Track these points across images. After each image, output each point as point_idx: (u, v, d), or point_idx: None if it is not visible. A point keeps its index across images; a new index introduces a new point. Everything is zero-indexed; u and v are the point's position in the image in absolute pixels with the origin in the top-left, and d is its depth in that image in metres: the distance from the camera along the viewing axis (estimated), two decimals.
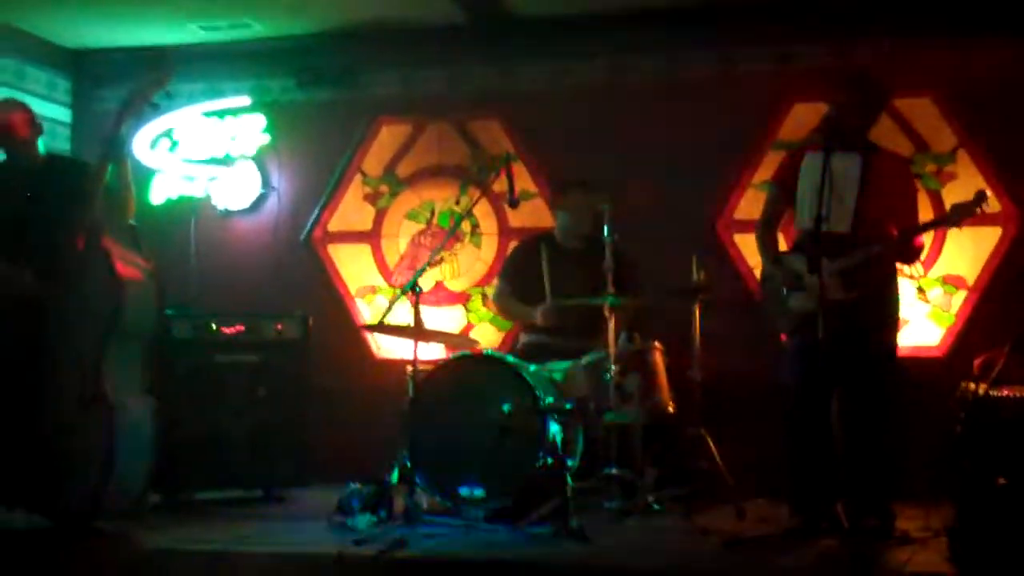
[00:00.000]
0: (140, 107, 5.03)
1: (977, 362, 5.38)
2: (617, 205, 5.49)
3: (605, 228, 5.32)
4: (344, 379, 6.72)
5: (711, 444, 5.44)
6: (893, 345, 4.92)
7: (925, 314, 6.27)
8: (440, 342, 6.05)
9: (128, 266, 4.90)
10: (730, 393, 5.84)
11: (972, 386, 5.13)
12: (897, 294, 4.95)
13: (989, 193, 4.78)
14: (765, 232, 5.16)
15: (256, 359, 6.01)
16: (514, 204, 5.50)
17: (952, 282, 6.27)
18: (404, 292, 5.23)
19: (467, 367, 5.34)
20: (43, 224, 4.88)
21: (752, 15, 6.40)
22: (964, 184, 6.13)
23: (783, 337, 5.15)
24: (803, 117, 6.40)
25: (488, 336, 6.83)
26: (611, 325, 5.30)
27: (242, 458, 5.86)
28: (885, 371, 4.82)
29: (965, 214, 4.74)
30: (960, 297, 6.26)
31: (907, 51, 6.28)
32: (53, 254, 4.82)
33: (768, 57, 6.54)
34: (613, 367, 5.27)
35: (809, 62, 6.45)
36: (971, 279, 6.26)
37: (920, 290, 6.26)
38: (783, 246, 5.26)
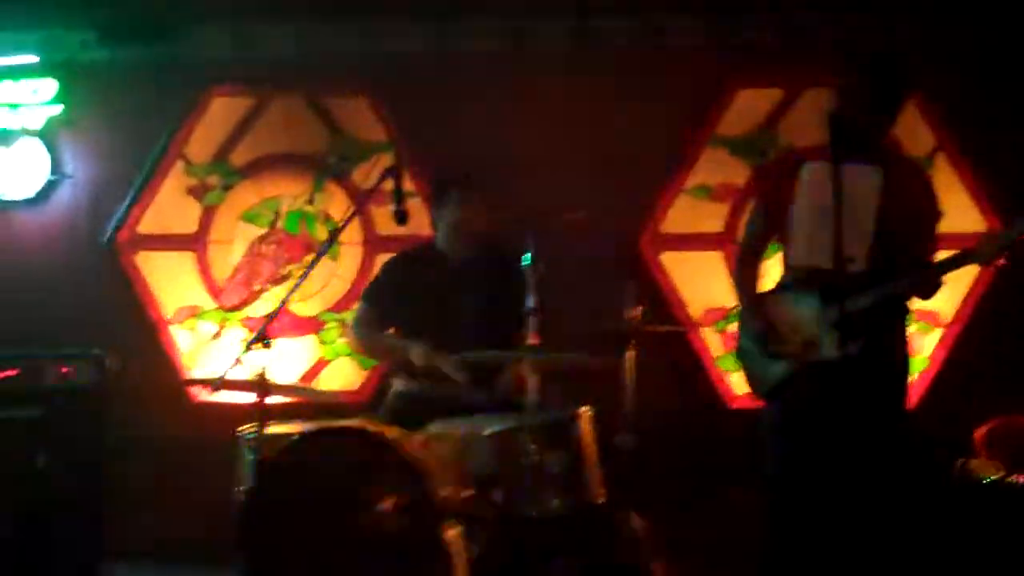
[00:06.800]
0: None
1: (979, 434, 4.98)
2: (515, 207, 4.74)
3: (528, 255, 4.22)
4: (155, 428, 5.71)
5: (649, 537, 4.56)
6: (903, 411, 4.13)
7: None
8: (294, 398, 4.92)
9: None
10: (669, 463, 5.28)
11: (979, 465, 4.81)
12: (906, 344, 4.11)
13: None
14: (744, 268, 4.33)
15: (35, 414, 5.05)
16: (402, 219, 4.24)
17: (925, 319, 5.63)
18: (250, 345, 4.08)
19: (329, 447, 4.07)
20: None
21: None
22: (943, 191, 5.41)
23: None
24: (749, 106, 5.82)
25: (346, 376, 5.90)
26: (530, 384, 4.16)
27: (10, 556, 4.83)
28: (897, 444, 4.05)
29: (1004, 246, 3.82)
30: (935, 336, 5.69)
31: (875, 38, 5.70)
32: None
33: (704, 30, 5.83)
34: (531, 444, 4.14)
35: (756, 37, 5.79)
36: (948, 315, 5.68)
37: None
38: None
